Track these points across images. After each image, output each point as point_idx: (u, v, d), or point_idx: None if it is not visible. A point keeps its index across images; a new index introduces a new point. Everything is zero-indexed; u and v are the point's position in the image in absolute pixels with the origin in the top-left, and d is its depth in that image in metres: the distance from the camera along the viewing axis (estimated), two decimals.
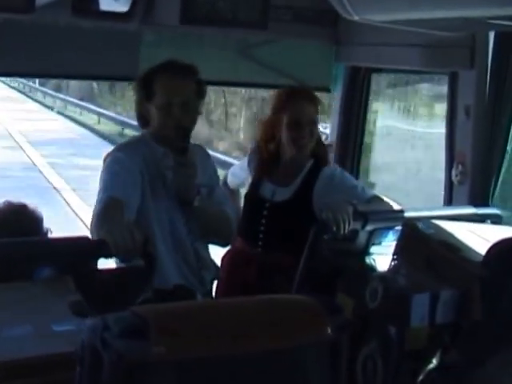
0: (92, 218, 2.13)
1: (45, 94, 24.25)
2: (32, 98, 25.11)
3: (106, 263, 2.07)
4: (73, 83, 20.66)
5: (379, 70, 3.33)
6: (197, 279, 2.42)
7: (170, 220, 2.36)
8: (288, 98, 2.65)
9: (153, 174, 2.34)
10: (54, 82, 21.15)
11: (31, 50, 2.57)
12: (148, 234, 2.02)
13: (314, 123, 2.65)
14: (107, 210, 2.12)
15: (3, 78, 17.70)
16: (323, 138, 4.17)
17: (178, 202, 2.35)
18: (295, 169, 2.69)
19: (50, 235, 2.23)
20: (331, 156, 2.99)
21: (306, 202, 2.63)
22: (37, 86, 24.90)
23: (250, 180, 2.76)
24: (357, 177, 3.43)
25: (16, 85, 26.69)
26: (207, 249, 2.48)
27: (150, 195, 2.32)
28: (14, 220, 2.17)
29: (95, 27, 2.59)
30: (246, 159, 2.83)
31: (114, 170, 2.28)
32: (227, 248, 2.72)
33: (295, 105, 2.62)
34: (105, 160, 2.35)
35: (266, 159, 2.70)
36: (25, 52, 2.56)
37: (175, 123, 2.31)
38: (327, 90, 3.35)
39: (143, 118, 2.43)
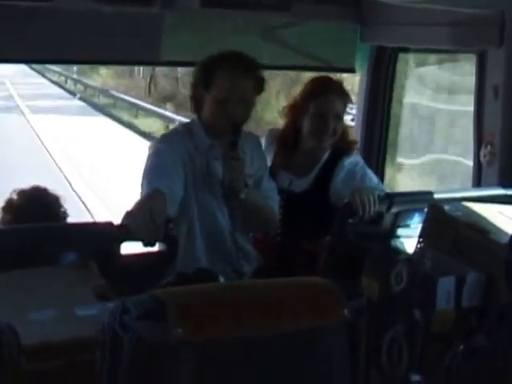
0: None
1: None
2: None
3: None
4: None
5: (406, 50, 3.27)
6: (234, 270, 2.38)
7: (211, 211, 2.33)
8: (319, 87, 2.59)
9: (197, 165, 2.31)
10: None
11: (52, 36, 2.57)
12: (170, 217, 2.02)
13: (340, 119, 2.58)
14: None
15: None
16: (349, 118, 4.12)
17: (224, 194, 2.33)
18: (312, 159, 2.64)
19: (68, 219, 2.25)
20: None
21: (323, 193, 2.59)
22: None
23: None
24: (383, 160, 3.39)
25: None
26: (248, 240, 2.45)
27: (193, 187, 2.30)
28: (35, 205, 2.20)
29: (116, 12, 2.58)
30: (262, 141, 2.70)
31: (156, 162, 2.25)
32: None
33: (324, 96, 2.56)
34: (149, 151, 2.31)
35: (286, 147, 2.64)
36: (46, 39, 2.56)
37: (229, 118, 2.27)
38: (352, 71, 3.31)
39: (197, 103, 2.38)
